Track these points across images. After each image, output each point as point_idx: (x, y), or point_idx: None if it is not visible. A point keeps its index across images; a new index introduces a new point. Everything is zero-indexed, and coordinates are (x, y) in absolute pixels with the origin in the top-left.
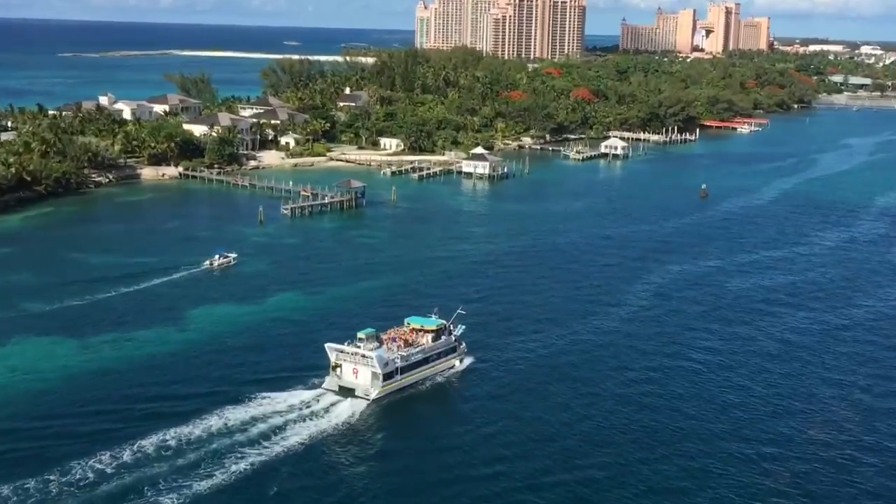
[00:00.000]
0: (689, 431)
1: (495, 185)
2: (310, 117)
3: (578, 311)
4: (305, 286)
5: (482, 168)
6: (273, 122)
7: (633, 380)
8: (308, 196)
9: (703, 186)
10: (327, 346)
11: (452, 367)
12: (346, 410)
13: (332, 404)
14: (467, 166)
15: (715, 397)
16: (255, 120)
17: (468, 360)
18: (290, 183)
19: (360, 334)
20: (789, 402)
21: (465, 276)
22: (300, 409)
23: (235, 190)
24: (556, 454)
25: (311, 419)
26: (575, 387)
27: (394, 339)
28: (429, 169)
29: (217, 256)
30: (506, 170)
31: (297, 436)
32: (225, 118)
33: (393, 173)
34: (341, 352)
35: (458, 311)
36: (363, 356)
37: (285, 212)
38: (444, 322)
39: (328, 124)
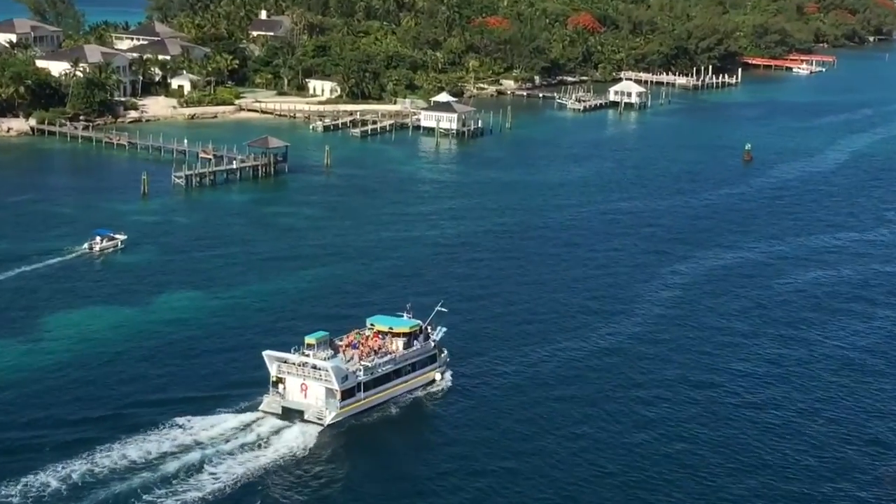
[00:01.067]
0: (721, 489)
1: (466, 144)
2: (212, 52)
3: (579, 314)
4: (212, 281)
5: (448, 121)
6: (161, 57)
7: (655, 417)
8: (210, 159)
9: (747, 147)
10: (266, 354)
11: (432, 381)
12: (293, 440)
13: (274, 432)
14: (428, 119)
15: (762, 442)
16: (136, 55)
17: (451, 373)
18: (185, 142)
19: (309, 339)
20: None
21: (427, 267)
22: (228, 439)
23: (109, 151)
24: None
25: (244, 453)
26: (586, 413)
27: (354, 346)
28: (375, 123)
29: (99, 238)
30: (480, 124)
31: (225, 475)
32: (94, 52)
33: (326, 129)
34: (285, 362)
35: (438, 308)
36: (314, 367)
37: (178, 181)
38: (419, 323)
39: (237, 61)
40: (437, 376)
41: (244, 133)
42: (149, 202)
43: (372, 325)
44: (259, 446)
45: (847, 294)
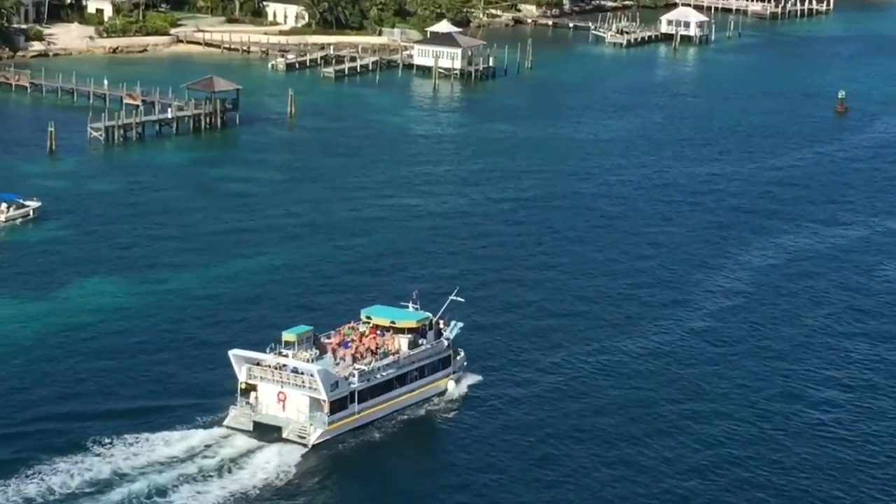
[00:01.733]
0: None
1: (472, 89)
2: None
3: (622, 305)
4: (145, 263)
5: (449, 59)
6: None
7: (714, 437)
8: (137, 107)
9: (841, 95)
10: (233, 354)
11: (444, 391)
12: (267, 464)
13: (242, 454)
14: (423, 56)
15: (850, 476)
16: None
17: (469, 381)
18: (105, 83)
19: (288, 335)
20: None
21: (425, 247)
22: (181, 463)
23: (6, 94)
24: None
25: (204, 481)
26: (629, 433)
27: (345, 345)
28: (354, 60)
29: (4, 206)
30: (492, 62)
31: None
32: None
33: (290, 67)
34: (257, 364)
35: (452, 297)
36: (296, 371)
37: (96, 134)
38: (429, 316)
39: None
40: (451, 385)
41: (182, 72)
42: (57, 161)
43: (368, 317)
44: (223, 473)
45: None
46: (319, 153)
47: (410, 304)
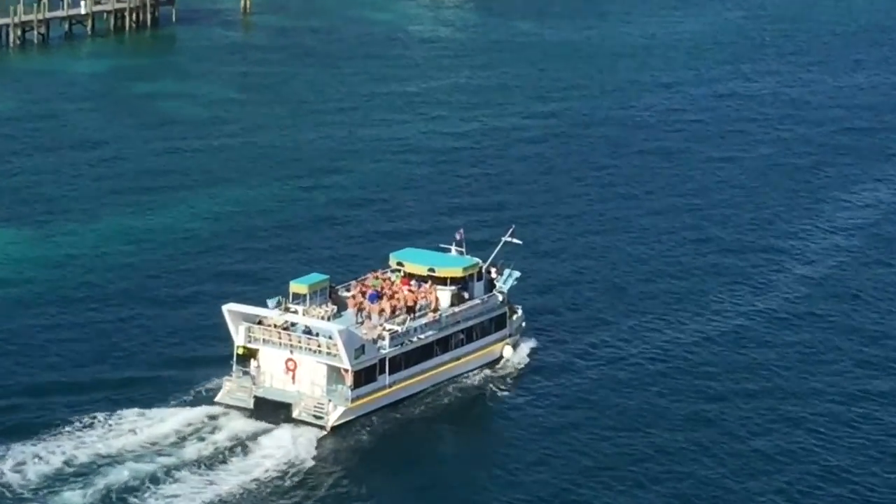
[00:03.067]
0: None
1: None
2: None
3: (690, 265)
4: (59, 207)
5: None
6: None
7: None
8: (41, 0)
9: None
10: (228, 310)
11: (498, 359)
12: (272, 454)
13: (243, 440)
14: None
15: None
16: None
17: (529, 347)
18: None
19: (298, 285)
20: None
21: (426, 187)
22: (161, 451)
23: None
24: None
25: (193, 473)
26: (705, 418)
27: (372, 297)
28: None
29: None
30: None
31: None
32: None
33: None
34: (259, 323)
35: (506, 237)
36: (308, 333)
37: None
38: (478, 262)
39: None
40: (507, 351)
41: None
42: None
43: (400, 264)
44: (215, 464)
45: None
46: (282, 62)
47: (453, 248)
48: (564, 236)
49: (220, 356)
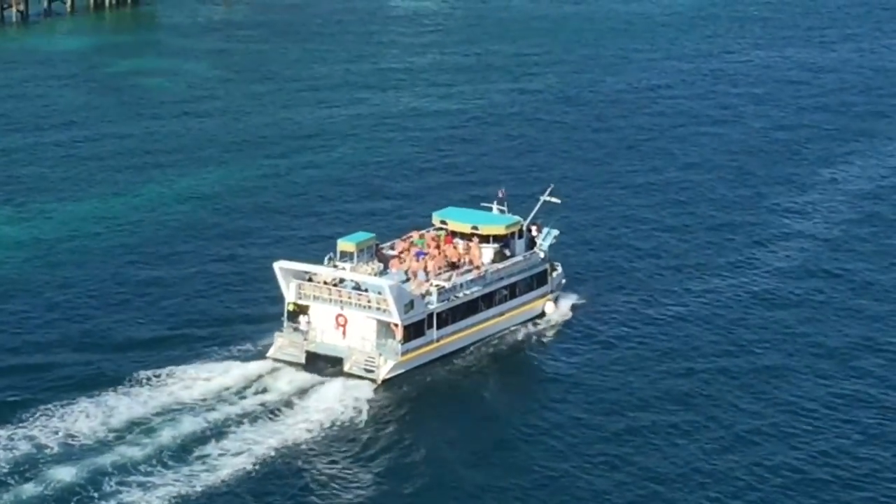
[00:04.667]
0: None
1: None
2: None
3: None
4: (40, 189)
5: None
6: None
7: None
8: None
9: None
10: (280, 267)
11: (540, 314)
12: (325, 407)
13: (293, 394)
14: None
15: None
16: None
17: (569, 302)
18: None
19: (346, 243)
20: None
21: (428, 162)
22: (217, 406)
23: None
24: None
25: (263, 419)
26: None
27: (419, 255)
28: None
29: None
30: None
31: (247, 451)
32: None
33: None
34: (309, 279)
35: (544, 196)
36: (358, 288)
37: None
38: (520, 220)
39: None
40: (549, 307)
41: None
42: None
43: (443, 222)
44: (270, 416)
45: None
46: (266, 38)
47: (495, 206)
48: (596, 198)
49: (267, 314)
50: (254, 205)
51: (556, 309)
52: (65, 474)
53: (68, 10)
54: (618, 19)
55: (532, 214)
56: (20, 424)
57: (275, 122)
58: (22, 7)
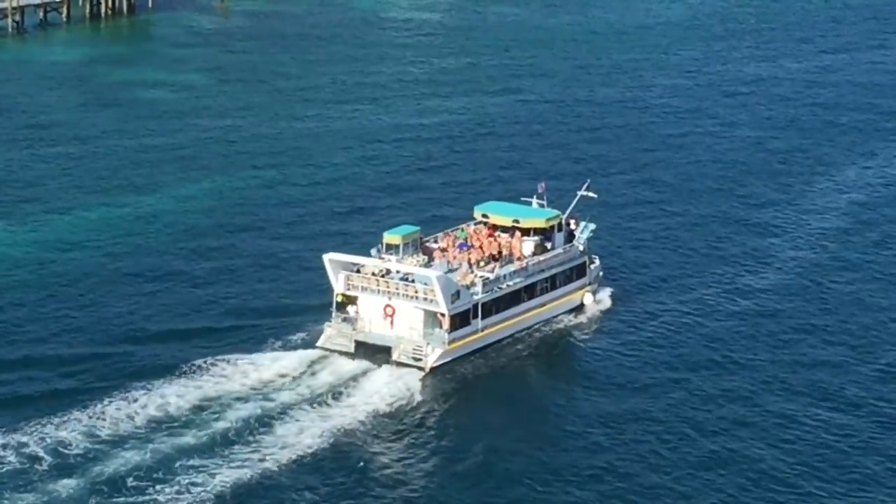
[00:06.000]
0: None
1: None
2: None
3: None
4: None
5: None
6: None
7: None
8: None
9: None
10: (329, 259)
11: (580, 305)
12: (376, 395)
13: (346, 380)
14: None
15: None
16: None
17: (606, 293)
18: None
19: (391, 236)
20: None
21: (425, 171)
22: (287, 385)
23: None
24: None
25: (316, 405)
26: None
27: (462, 246)
28: None
29: None
30: None
31: (302, 435)
32: None
33: None
34: (358, 271)
35: (582, 192)
36: (406, 279)
37: None
38: (558, 214)
39: None
40: (588, 298)
41: None
42: None
43: (485, 216)
44: (323, 403)
45: None
46: (260, 49)
47: (534, 200)
48: (628, 196)
49: (312, 305)
50: (285, 203)
51: (595, 301)
52: (133, 456)
53: (64, 20)
54: (612, 28)
55: (570, 208)
56: (95, 408)
57: (298, 128)
58: (18, 17)
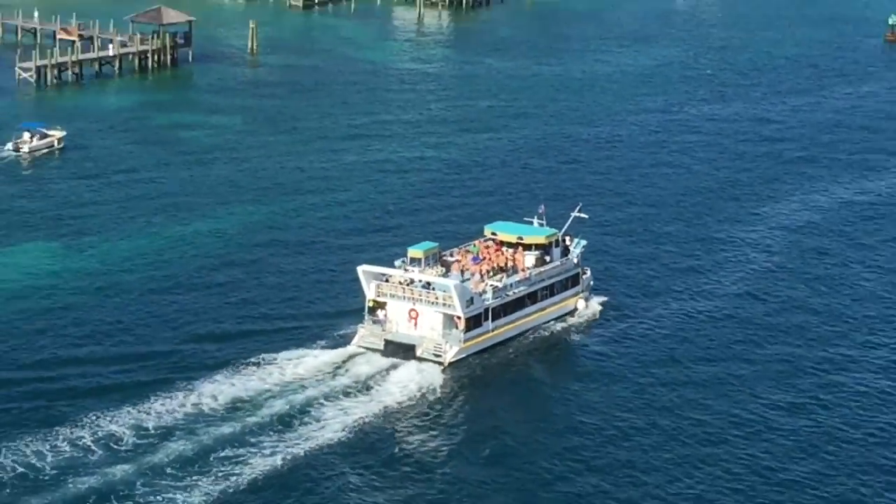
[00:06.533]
0: None
1: (463, 18)
2: None
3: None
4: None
5: None
6: None
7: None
8: (74, 43)
9: (892, 21)
10: (363, 270)
11: (574, 310)
12: (404, 385)
13: (376, 374)
14: None
15: None
16: None
17: (597, 300)
18: (36, 16)
19: (415, 251)
20: None
21: (421, 204)
22: (326, 378)
23: None
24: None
25: (351, 394)
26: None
27: (476, 259)
28: None
29: (27, 135)
30: None
31: (340, 419)
32: None
33: None
34: (387, 280)
35: (576, 213)
36: (427, 287)
37: (25, 75)
38: (555, 232)
39: None
40: (581, 304)
41: (125, 3)
42: None
43: (494, 233)
44: (359, 393)
45: None
46: (287, 96)
47: (535, 220)
48: (612, 216)
49: (347, 310)
50: (313, 225)
51: (587, 306)
52: (186, 444)
53: (116, 72)
54: (584, 80)
55: (565, 227)
56: (152, 400)
57: (319, 162)
58: (77, 70)
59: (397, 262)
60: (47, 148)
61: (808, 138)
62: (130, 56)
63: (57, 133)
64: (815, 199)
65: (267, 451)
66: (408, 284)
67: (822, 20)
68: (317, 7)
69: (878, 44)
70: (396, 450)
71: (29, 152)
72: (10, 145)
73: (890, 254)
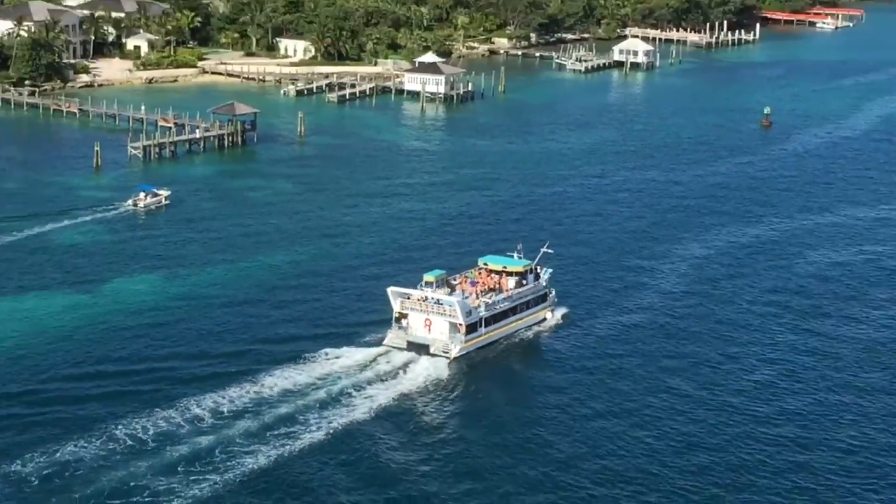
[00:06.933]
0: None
1: (454, 110)
2: (171, 8)
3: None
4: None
5: (434, 84)
6: (115, 15)
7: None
8: (170, 128)
9: (766, 111)
10: (390, 290)
11: (543, 319)
12: (427, 370)
13: (406, 363)
14: (412, 82)
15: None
16: (86, 12)
17: (560, 312)
18: (143, 108)
19: (429, 276)
20: None
21: (424, 243)
22: (365, 368)
23: (58, 119)
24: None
25: (385, 380)
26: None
27: (473, 283)
28: (353, 87)
29: (143, 194)
30: (470, 87)
31: (378, 397)
32: (40, 9)
33: (300, 93)
34: (408, 297)
35: (544, 249)
36: (438, 303)
37: (135, 152)
38: (531, 263)
39: (199, 19)
40: (548, 315)
41: (208, 99)
42: (101, 176)
43: (485, 264)
44: (389, 379)
45: (879, 277)
46: (326, 166)
47: (515, 254)
48: (570, 251)
49: (378, 320)
50: (348, 261)
51: (553, 317)
52: (252, 422)
53: (202, 150)
54: (543, 153)
55: (537, 259)
56: (226, 388)
57: (350, 214)
58: (173, 148)
59: (419, 286)
60: (156, 205)
61: (704, 196)
62: (212, 138)
63: (164, 192)
64: (711, 240)
65: (319, 421)
66: (424, 301)
67: (714, 109)
68: (347, 102)
69: (756, 128)
70: (415, 420)
71: (143, 207)
72: (129, 202)
73: (767, 278)
